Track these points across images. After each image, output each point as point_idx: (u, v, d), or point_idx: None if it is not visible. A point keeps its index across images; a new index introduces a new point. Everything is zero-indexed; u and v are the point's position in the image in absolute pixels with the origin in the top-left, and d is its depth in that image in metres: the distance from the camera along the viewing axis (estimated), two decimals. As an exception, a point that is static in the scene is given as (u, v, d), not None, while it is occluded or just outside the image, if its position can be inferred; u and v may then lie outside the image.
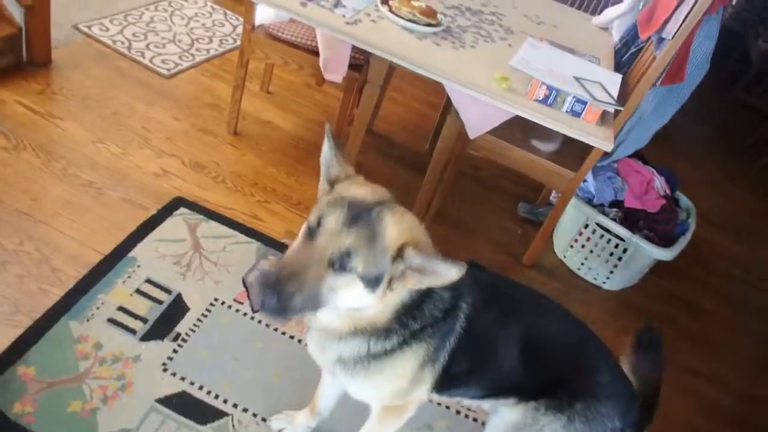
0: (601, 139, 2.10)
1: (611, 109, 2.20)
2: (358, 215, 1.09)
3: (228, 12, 3.95)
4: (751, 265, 3.64)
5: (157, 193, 2.48)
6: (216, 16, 3.86)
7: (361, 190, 1.16)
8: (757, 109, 6.03)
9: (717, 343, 2.91)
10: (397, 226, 1.11)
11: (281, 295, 1.04)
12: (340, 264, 1.08)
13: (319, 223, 1.10)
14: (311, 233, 1.11)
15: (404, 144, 3.38)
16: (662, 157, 3.37)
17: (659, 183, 2.95)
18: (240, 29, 3.74)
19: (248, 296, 2.20)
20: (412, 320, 1.28)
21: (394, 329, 1.27)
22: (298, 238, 1.15)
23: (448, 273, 1.10)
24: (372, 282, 1.11)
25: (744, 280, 3.50)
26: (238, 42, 3.61)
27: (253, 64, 2.81)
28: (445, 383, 1.47)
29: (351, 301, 1.14)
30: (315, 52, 2.58)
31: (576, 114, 2.13)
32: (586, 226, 2.80)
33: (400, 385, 1.42)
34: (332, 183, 1.21)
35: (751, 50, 6.13)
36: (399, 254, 1.10)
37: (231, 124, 2.92)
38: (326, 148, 1.23)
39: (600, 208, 2.82)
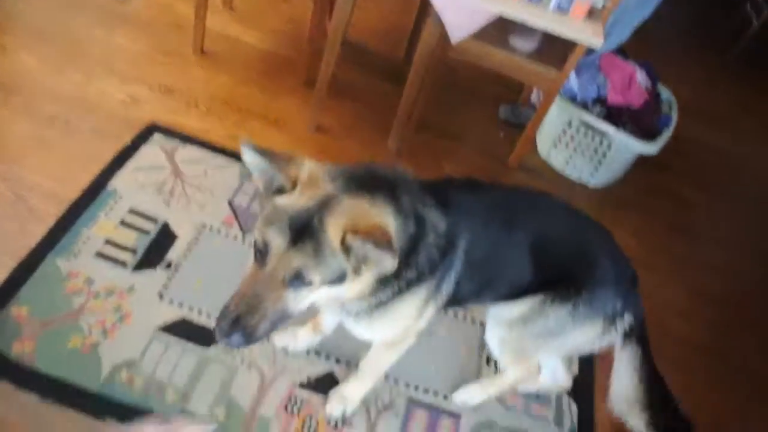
0: (590, 36, 2.03)
1: (599, 3, 2.12)
2: (302, 230, 1.07)
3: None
4: (732, 154, 3.68)
5: (128, 121, 2.37)
6: (166, -71, 3.60)
7: (302, 199, 1.10)
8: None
9: (703, 230, 2.97)
10: (336, 224, 1.08)
11: (246, 329, 1.08)
12: (296, 283, 1.08)
13: (266, 247, 1.09)
14: (260, 256, 1.10)
15: (379, 52, 3.26)
16: (640, 51, 3.31)
17: (641, 77, 2.90)
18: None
19: (236, 219, 2.15)
20: (407, 269, 1.26)
21: (390, 282, 1.25)
22: (250, 263, 1.13)
23: (383, 261, 1.08)
24: (336, 280, 1.11)
25: (726, 169, 3.54)
26: (195, -45, 3.41)
27: (214, -23, 2.66)
28: (453, 303, 1.48)
29: (324, 301, 1.15)
30: (280, -41, 2.44)
31: (564, 10, 2.05)
32: (570, 125, 2.77)
33: (403, 324, 1.43)
34: (279, 192, 1.13)
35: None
36: (346, 249, 1.08)
37: (197, 44, 2.78)
38: (259, 163, 1.13)
39: (583, 105, 2.78)
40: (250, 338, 1.10)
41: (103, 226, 1.99)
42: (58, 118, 2.29)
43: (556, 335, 1.52)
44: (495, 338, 1.64)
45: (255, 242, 1.11)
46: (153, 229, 2.04)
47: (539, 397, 1.98)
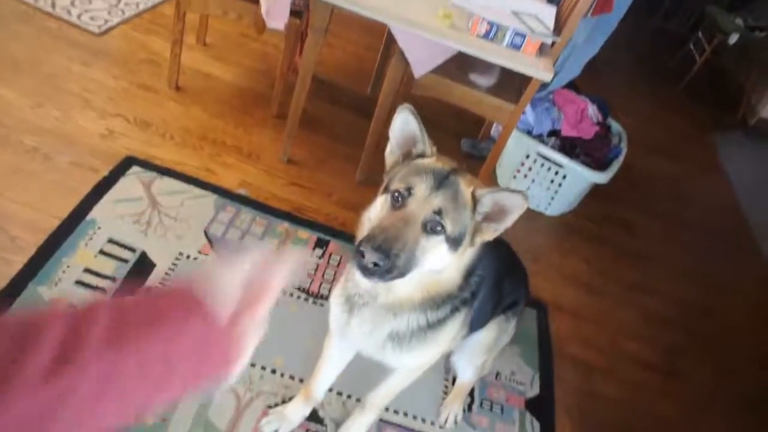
0: (541, 70, 2.21)
1: (548, 41, 2.31)
2: (441, 181, 1.21)
3: (152, -38, 3.81)
4: (678, 183, 3.92)
5: (106, 154, 2.45)
6: (140, -33, 3.72)
7: (438, 163, 1.27)
8: (675, 34, 6.33)
9: (652, 257, 3.16)
10: (469, 183, 1.24)
11: (389, 256, 1.12)
12: (431, 226, 1.18)
13: (409, 192, 1.20)
14: (398, 201, 1.21)
15: (347, 88, 3.42)
16: (592, 86, 3.54)
17: (592, 111, 3.11)
18: (169, -20, 3.65)
19: (212, 247, 2.25)
20: (466, 287, 1.38)
21: (451, 297, 1.37)
22: (379, 207, 1.25)
23: (514, 200, 1.21)
24: (456, 241, 1.22)
25: (672, 197, 3.76)
26: (168, -6, 3.54)
27: (188, 16, 2.76)
28: None
29: (437, 262, 1.24)
30: (253, 0, 2.57)
31: (516, 47, 2.22)
32: (528, 157, 2.95)
33: (444, 348, 1.54)
34: (411, 156, 1.30)
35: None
36: (474, 205, 1.22)
37: (172, 79, 2.89)
38: (413, 126, 1.29)
39: (539, 138, 2.96)
40: (392, 265, 1.13)
41: (83, 255, 2.06)
42: (37, 150, 2.36)
43: (506, 341, 1.91)
44: (475, 361, 1.88)
45: (394, 191, 1.21)
46: (131, 258, 2.12)
47: (503, 415, 2.09)
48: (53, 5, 3.12)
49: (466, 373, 1.96)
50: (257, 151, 2.74)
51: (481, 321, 1.70)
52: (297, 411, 1.82)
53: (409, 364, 1.56)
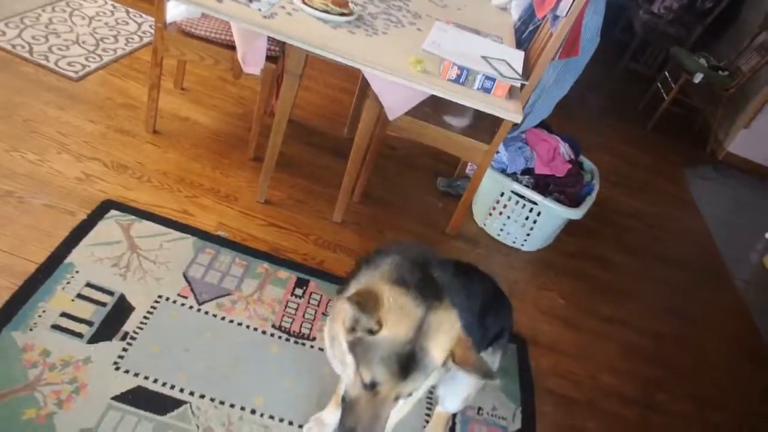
0: (511, 112, 2.28)
1: (518, 84, 2.38)
2: (406, 364, 1.27)
3: (130, 10, 3.87)
4: (650, 217, 4.00)
5: (83, 198, 2.46)
6: (118, 14, 3.78)
7: (398, 332, 1.27)
8: (643, 75, 6.55)
9: (626, 291, 3.21)
10: (439, 348, 1.29)
11: None
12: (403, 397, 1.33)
13: (375, 383, 1.29)
14: (370, 387, 1.30)
15: (323, 130, 3.47)
16: (564, 126, 3.64)
17: (564, 149, 3.20)
18: (145, 26, 3.73)
19: (191, 290, 2.24)
20: None
21: None
22: (354, 387, 1.34)
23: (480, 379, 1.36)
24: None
25: (645, 231, 3.84)
26: (145, 40, 3.60)
27: (165, 61, 2.81)
28: None
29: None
30: (229, 46, 2.63)
31: (487, 90, 2.29)
32: (502, 194, 3.01)
33: (434, 378, 1.53)
34: (370, 332, 1.29)
35: (634, 21, 6.60)
36: (444, 363, 1.31)
37: (149, 123, 2.91)
38: (354, 315, 1.30)
39: (513, 176, 3.03)
40: None
41: (59, 299, 2.05)
42: (12, 194, 2.36)
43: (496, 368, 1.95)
44: (461, 393, 1.91)
45: (362, 378, 1.31)
46: (110, 301, 2.10)
47: (483, 451, 2.09)
48: (30, 51, 3.15)
49: (452, 404, 1.95)
50: (234, 193, 2.76)
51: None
52: (332, 415, 1.89)
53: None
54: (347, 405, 1.36)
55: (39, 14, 3.47)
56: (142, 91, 3.03)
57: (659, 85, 5.68)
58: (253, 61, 2.58)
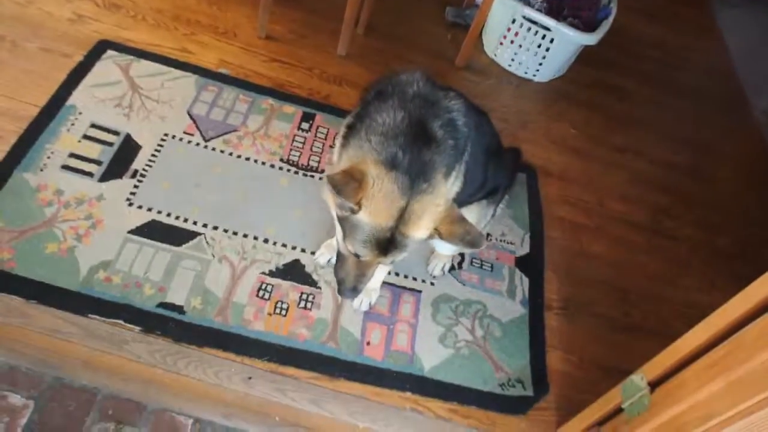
0: None
1: None
2: (387, 245, 1.36)
3: None
4: (671, 47, 3.81)
5: (77, 39, 2.37)
6: None
7: (379, 218, 1.32)
8: None
9: (641, 121, 3.13)
10: (423, 229, 1.35)
11: (359, 290, 1.53)
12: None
13: (358, 255, 1.42)
14: (356, 255, 1.43)
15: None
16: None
17: (580, -31, 2.98)
18: None
19: (197, 127, 2.22)
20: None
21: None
22: (344, 249, 1.47)
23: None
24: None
25: (663, 60, 3.68)
26: None
27: None
28: None
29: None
30: None
31: None
32: (513, 21, 2.86)
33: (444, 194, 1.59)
34: (352, 211, 1.33)
35: None
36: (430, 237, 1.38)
37: (139, -42, 2.74)
38: (333, 197, 1.33)
39: (525, 0, 2.86)
40: (360, 291, 1.55)
41: (66, 140, 2.04)
42: (4, 38, 2.28)
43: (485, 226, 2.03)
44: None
45: (348, 248, 1.43)
46: (116, 141, 2.10)
47: (493, 272, 2.16)
48: None
49: (447, 251, 2.03)
50: (233, 29, 2.65)
51: (471, 187, 1.70)
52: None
53: None
54: (339, 257, 1.53)
55: None
56: None
57: None
58: None
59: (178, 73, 2.39)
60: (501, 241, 2.27)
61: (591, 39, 2.80)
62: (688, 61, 3.83)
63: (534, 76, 3.02)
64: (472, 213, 1.87)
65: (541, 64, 2.96)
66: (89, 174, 1.98)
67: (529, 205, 2.42)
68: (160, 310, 1.75)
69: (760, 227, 2.83)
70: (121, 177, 2.01)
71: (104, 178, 1.99)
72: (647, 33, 3.81)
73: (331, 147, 2.33)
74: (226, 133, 2.25)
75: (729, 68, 3.86)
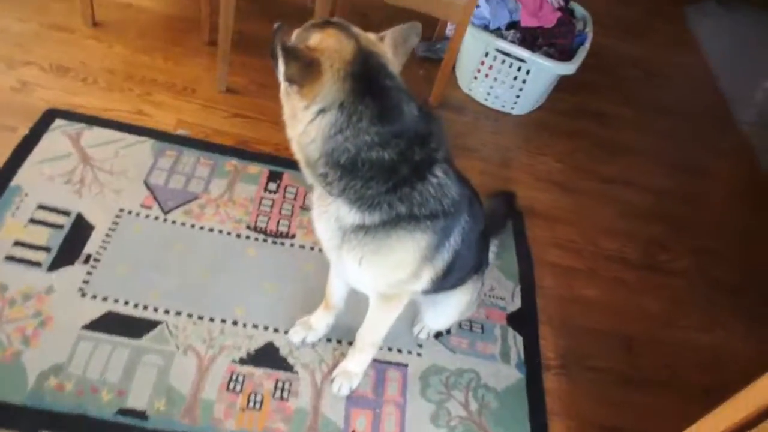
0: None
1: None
2: None
3: None
4: (650, 64, 3.70)
5: (22, 109, 2.21)
6: None
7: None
8: None
9: (627, 147, 2.99)
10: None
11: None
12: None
13: None
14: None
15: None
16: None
17: (552, -4, 2.87)
18: None
19: (155, 199, 2.06)
20: (394, 197, 1.22)
21: (377, 204, 1.22)
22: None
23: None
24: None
25: (645, 80, 3.57)
26: None
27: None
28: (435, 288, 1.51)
29: (284, 98, 1.26)
30: None
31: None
32: (487, 54, 2.73)
33: (397, 273, 1.38)
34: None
35: None
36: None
37: (87, 15, 2.59)
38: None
39: (497, 32, 2.74)
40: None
41: (10, 227, 1.87)
42: (-59, 115, 2.12)
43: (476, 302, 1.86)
44: (449, 320, 1.85)
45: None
46: (66, 222, 1.93)
47: (484, 334, 2.01)
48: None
49: (436, 324, 1.89)
50: (192, 84, 2.50)
51: (465, 265, 1.55)
52: (320, 319, 1.81)
53: (366, 281, 1.45)
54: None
55: None
56: (73, -21, 2.68)
57: None
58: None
59: (132, 138, 2.23)
60: (490, 297, 2.12)
61: (569, 68, 2.68)
62: (668, 78, 3.73)
63: (512, 109, 2.89)
64: (465, 294, 1.72)
65: (518, 97, 2.83)
66: (37, 264, 1.81)
67: (516, 253, 2.28)
68: (120, 418, 1.57)
69: (758, 243, 2.70)
70: (72, 263, 1.84)
71: (54, 266, 1.82)
72: (625, 52, 3.70)
73: (301, 208, 2.18)
74: (186, 203, 2.09)
75: (710, 81, 3.76)
